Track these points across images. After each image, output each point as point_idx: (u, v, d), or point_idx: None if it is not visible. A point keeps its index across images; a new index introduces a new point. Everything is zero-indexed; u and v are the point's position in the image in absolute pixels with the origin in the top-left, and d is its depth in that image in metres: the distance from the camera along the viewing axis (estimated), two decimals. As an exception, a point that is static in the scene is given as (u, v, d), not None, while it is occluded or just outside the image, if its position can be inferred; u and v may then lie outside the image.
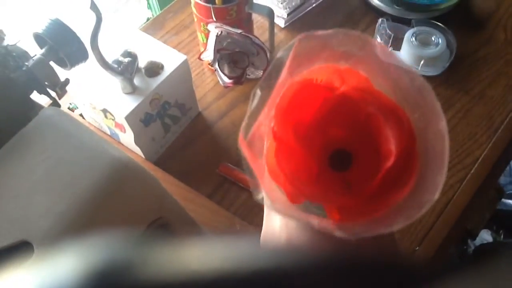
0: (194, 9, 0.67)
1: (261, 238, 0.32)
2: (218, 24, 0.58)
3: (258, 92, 0.30)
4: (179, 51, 0.63)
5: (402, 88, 0.32)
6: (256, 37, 0.61)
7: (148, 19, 1.04)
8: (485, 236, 1.30)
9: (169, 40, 0.81)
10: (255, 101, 0.30)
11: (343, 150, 0.35)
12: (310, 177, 0.33)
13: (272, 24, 0.68)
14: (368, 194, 0.31)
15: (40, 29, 0.48)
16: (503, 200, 1.25)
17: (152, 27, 0.84)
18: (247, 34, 0.59)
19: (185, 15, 0.85)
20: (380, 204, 0.30)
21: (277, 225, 0.32)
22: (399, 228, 0.27)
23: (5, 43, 0.46)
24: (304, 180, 0.32)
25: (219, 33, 0.58)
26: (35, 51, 0.48)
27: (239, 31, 0.58)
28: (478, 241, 1.22)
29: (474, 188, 0.65)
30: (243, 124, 0.30)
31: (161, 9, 1.04)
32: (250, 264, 0.14)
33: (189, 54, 0.79)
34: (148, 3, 1.03)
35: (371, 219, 0.29)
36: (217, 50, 0.58)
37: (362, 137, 0.34)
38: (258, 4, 0.67)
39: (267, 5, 0.67)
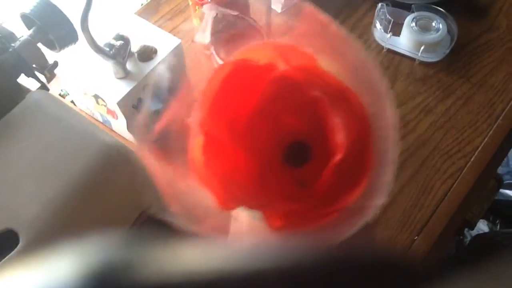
0: (188, -8, 0.65)
1: (228, 239, 0.29)
2: (213, 6, 0.56)
3: (166, 73, 0.26)
4: (173, 35, 0.61)
5: (351, 64, 0.26)
6: (253, 19, 0.59)
7: (142, 5, 1.02)
8: (481, 226, 1.29)
9: (163, 25, 0.79)
10: (162, 83, 0.25)
11: (301, 142, 0.29)
12: (249, 178, 0.27)
13: (269, 7, 0.66)
14: (316, 196, 0.26)
15: (27, 9, 0.46)
16: (501, 190, 1.24)
17: (146, 12, 0.82)
18: (244, 16, 0.57)
19: (180, -1, 0.82)
20: (330, 208, 0.25)
21: (244, 228, 0.29)
22: (342, 239, 0.23)
23: (-10, 23, 0.44)
24: (241, 183, 0.27)
25: (215, 15, 0.56)
26: (22, 32, 0.46)
27: (235, 13, 0.56)
28: (474, 231, 1.22)
29: (474, 177, 0.64)
30: (142, 115, 0.24)
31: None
32: (249, 265, 0.14)
33: (184, 39, 0.76)
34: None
35: (318, 227, 0.25)
36: (212, 33, 0.56)
37: (314, 126, 0.28)
38: (255, -13, 0.65)
39: (264, -12, 0.65)
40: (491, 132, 0.67)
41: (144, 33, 0.61)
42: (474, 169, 0.64)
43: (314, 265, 0.14)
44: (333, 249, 0.14)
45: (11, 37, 0.45)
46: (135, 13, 0.83)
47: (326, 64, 0.27)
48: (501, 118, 0.68)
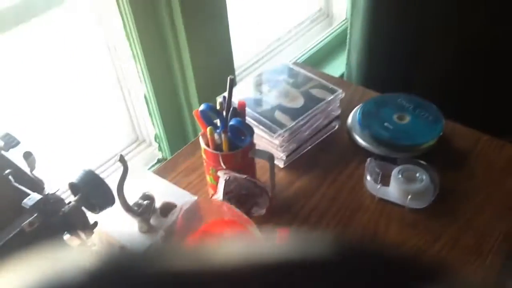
0: (203, 155, 0.77)
1: None
2: (226, 171, 0.67)
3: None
4: (188, 191, 0.71)
5: None
6: (259, 180, 0.69)
7: (158, 160, 1.15)
8: None
9: (180, 181, 0.89)
10: None
11: None
12: None
13: (272, 167, 0.77)
14: None
15: (74, 179, 0.56)
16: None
17: (165, 169, 0.94)
18: (251, 179, 0.68)
19: (195, 158, 0.94)
20: None
21: None
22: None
23: (45, 191, 0.54)
24: None
25: (228, 178, 0.66)
26: (70, 198, 0.55)
27: (244, 176, 0.67)
28: None
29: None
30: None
31: (171, 151, 1.15)
32: (258, 257, 0.14)
33: (198, 193, 0.86)
34: (160, 147, 1.15)
35: None
36: (225, 193, 0.66)
37: None
38: (260, 149, 0.77)
39: (268, 150, 0.77)
40: (481, 273, 0.73)
41: (165, 191, 0.71)
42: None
43: (330, 260, 0.14)
44: (355, 246, 0.15)
45: (61, 202, 0.54)
46: (154, 169, 0.94)
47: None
48: (489, 259, 0.74)
